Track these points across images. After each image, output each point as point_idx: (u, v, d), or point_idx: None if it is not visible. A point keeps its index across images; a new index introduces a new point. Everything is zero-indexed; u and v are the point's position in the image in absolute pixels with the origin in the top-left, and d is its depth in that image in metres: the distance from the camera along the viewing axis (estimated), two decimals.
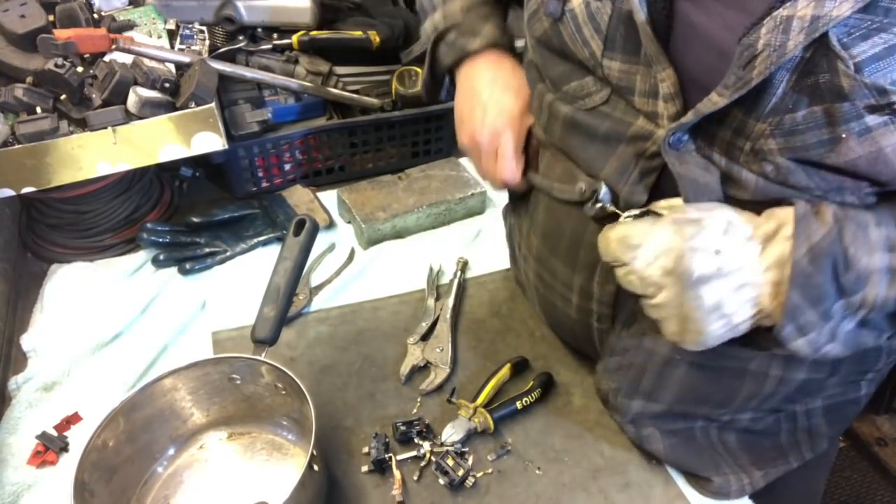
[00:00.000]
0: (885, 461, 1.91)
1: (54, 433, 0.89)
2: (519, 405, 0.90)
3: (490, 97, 0.86)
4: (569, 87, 0.74)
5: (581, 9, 0.67)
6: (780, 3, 0.54)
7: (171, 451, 0.86)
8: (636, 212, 0.69)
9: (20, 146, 0.97)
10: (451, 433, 0.87)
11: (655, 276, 0.64)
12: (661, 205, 0.68)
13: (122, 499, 0.80)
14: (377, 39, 1.30)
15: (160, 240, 1.13)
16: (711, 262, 0.62)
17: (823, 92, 0.55)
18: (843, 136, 0.55)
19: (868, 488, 1.90)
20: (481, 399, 0.90)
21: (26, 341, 1.00)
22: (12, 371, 0.98)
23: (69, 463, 0.86)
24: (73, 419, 0.91)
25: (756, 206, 0.64)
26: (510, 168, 0.85)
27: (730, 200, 0.65)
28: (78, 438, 0.89)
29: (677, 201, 0.66)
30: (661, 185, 0.69)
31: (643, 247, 0.64)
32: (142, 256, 1.14)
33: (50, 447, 0.87)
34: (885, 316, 0.64)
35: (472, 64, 0.88)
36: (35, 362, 0.98)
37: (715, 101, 0.59)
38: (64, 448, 0.88)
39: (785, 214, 0.62)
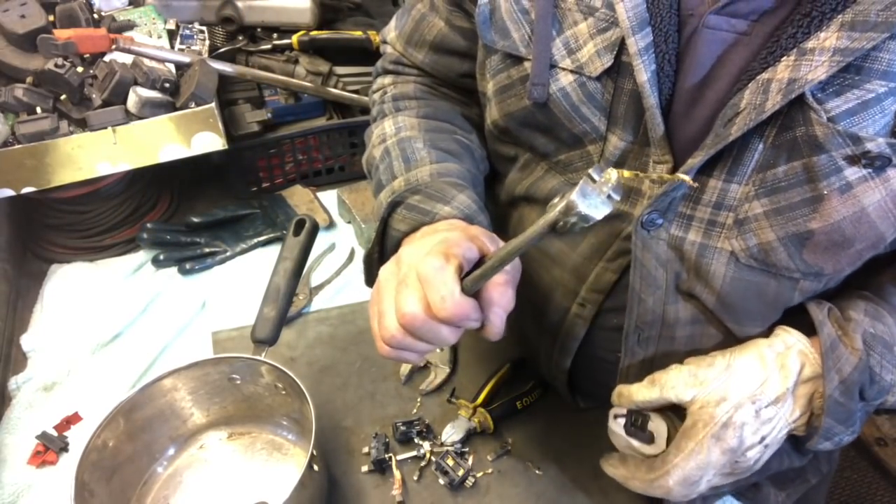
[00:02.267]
0: (885, 461, 1.91)
1: (54, 433, 0.89)
2: (519, 405, 0.90)
3: (415, 258, 0.59)
4: (559, 158, 0.71)
5: (573, 87, 0.64)
6: (762, 68, 0.55)
7: (171, 451, 0.86)
8: (623, 417, 0.72)
9: (20, 146, 0.97)
10: (451, 433, 0.87)
11: (717, 483, 0.67)
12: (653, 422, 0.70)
13: (122, 499, 0.80)
14: (377, 39, 1.30)
15: (160, 240, 1.13)
16: (760, 449, 0.64)
17: (801, 146, 0.55)
18: (826, 192, 0.55)
19: (868, 488, 1.90)
20: (481, 399, 0.90)
21: (26, 341, 1.00)
22: (12, 371, 0.98)
23: (69, 463, 0.86)
24: (73, 419, 0.91)
25: (721, 309, 0.66)
26: (448, 297, 0.54)
27: (681, 304, 0.67)
28: (78, 438, 0.89)
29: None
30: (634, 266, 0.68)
31: (704, 477, 0.65)
32: (142, 256, 1.14)
33: (50, 447, 0.87)
34: None
35: (423, 230, 0.65)
36: (35, 362, 0.98)
37: (691, 163, 0.59)
38: (64, 448, 0.88)
39: (783, 346, 0.65)
